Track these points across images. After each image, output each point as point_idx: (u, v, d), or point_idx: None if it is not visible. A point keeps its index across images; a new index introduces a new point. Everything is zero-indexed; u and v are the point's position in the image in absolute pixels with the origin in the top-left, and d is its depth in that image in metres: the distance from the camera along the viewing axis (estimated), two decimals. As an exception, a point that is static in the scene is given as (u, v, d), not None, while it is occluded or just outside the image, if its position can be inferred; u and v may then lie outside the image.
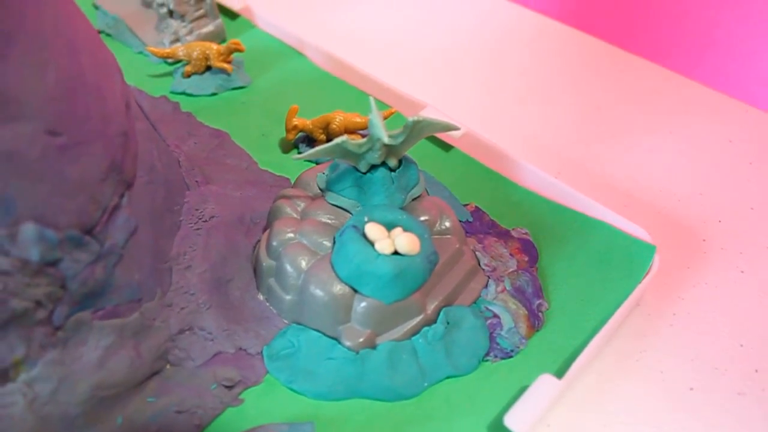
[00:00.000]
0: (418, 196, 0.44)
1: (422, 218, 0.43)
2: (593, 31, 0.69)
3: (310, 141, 0.52)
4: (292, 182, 0.50)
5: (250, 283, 0.44)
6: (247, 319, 0.42)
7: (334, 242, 0.41)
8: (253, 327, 0.42)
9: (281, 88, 0.58)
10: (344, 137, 0.40)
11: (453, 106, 0.59)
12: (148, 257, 0.40)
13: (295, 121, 0.51)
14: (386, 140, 0.39)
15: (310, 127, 0.51)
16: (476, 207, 0.48)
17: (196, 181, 0.47)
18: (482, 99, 0.62)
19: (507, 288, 0.43)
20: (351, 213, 0.43)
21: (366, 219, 0.40)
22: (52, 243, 0.34)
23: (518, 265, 0.44)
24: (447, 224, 0.43)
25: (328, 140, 0.52)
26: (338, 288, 0.39)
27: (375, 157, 0.41)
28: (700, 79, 0.63)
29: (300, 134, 0.52)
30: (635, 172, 0.54)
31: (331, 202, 0.43)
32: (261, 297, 0.43)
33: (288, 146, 0.53)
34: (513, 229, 0.47)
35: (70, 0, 0.38)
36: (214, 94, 0.58)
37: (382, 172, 0.42)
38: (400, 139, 0.41)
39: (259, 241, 0.45)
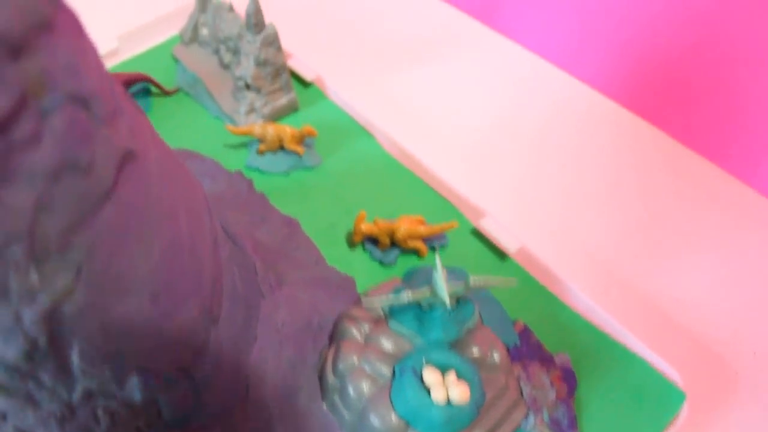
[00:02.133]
0: (473, 327, 0.48)
1: (473, 349, 0.47)
2: (653, 120, 0.70)
3: (375, 242, 0.56)
4: (356, 283, 0.54)
5: (315, 391, 0.49)
6: (313, 428, 0.48)
7: (393, 372, 0.46)
8: (317, 438, 0.47)
9: (350, 173, 0.62)
10: (411, 295, 0.44)
11: (512, 212, 0.61)
12: (229, 378, 0.46)
13: (363, 228, 0.55)
14: (448, 304, 0.43)
15: (377, 232, 0.55)
16: (524, 326, 0.52)
17: (270, 286, 0.52)
18: (540, 207, 0.63)
19: (545, 419, 0.47)
20: (411, 341, 0.47)
21: (424, 361, 0.45)
22: (152, 387, 0.40)
23: (557, 395, 0.49)
24: (496, 359, 0.48)
25: (392, 244, 0.56)
26: (394, 420, 0.44)
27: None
28: (756, 186, 0.64)
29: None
30: (676, 291, 0.56)
31: (393, 328, 0.48)
32: (324, 407, 0.49)
33: (354, 242, 0.57)
34: (556, 355, 0.51)
35: (171, 157, 0.41)
36: (286, 173, 0.62)
37: (440, 310, 0.46)
38: (459, 294, 0.45)
39: (324, 349, 0.50)
